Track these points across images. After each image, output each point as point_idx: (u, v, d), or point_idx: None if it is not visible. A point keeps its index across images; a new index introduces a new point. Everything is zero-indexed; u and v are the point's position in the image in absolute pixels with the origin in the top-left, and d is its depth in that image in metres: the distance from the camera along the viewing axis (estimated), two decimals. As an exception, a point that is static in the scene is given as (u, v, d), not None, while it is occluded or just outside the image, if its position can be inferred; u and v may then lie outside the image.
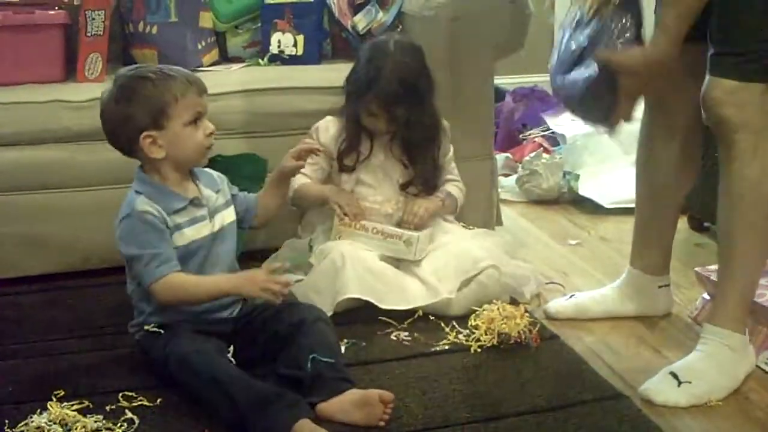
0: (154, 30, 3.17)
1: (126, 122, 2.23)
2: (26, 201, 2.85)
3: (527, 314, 2.49)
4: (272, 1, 3.31)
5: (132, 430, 2.06)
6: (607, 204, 3.58)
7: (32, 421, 2.04)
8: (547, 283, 2.87)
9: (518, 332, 2.42)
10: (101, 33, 3.08)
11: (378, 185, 2.82)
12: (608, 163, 3.75)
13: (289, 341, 2.21)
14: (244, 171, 2.70)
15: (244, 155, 2.82)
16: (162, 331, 2.26)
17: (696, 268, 2.65)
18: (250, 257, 2.77)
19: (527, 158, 3.82)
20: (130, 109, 2.22)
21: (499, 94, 4.07)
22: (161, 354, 2.20)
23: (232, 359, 2.19)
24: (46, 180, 2.86)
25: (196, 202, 2.30)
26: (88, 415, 2.08)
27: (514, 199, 3.78)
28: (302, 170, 2.52)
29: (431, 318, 2.59)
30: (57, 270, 2.90)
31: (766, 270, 2.33)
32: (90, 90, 2.81)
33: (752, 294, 2.31)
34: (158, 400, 2.16)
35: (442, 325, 2.54)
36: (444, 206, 2.86)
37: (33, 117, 2.84)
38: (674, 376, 2.22)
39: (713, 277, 2.50)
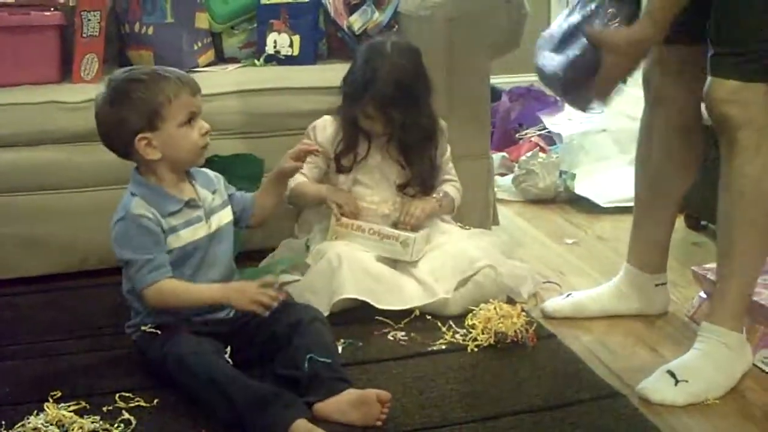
0: (150, 31, 3.17)
1: (120, 125, 2.23)
2: (24, 202, 2.85)
3: (524, 313, 2.49)
4: (268, 2, 3.31)
5: (129, 430, 2.06)
6: (603, 203, 3.59)
7: (29, 422, 2.04)
8: (543, 283, 2.88)
9: (515, 331, 2.42)
10: (97, 34, 3.09)
11: (375, 186, 2.82)
12: (604, 162, 3.75)
13: (286, 341, 2.21)
14: (240, 171, 2.69)
15: (240, 155, 2.82)
16: (159, 332, 2.26)
17: (693, 267, 2.65)
18: (247, 257, 2.77)
19: (524, 158, 3.82)
20: (124, 111, 2.22)
21: (496, 93, 4.07)
22: (158, 354, 2.21)
23: (230, 360, 2.19)
24: (43, 181, 2.86)
25: (192, 204, 2.30)
26: (85, 416, 2.08)
27: (510, 199, 3.78)
28: (299, 169, 2.53)
29: (428, 318, 2.59)
30: (55, 271, 2.90)
31: (764, 269, 2.33)
32: (86, 91, 2.81)
33: (751, 292, 2.31)
34: (155, 401, 2.16)
35: (439, 324, 2.54)
36: (441, 207, 2.86)
37: (29, 118, 2.84)
38: (671, 374, 2.22)
39: (710, 276, 2.51)
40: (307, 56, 3.30)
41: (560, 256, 3.18)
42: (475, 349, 2.42)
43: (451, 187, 2.91)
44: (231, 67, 3.29)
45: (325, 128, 2.82)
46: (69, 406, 2.11)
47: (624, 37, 2.23)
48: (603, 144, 3.80)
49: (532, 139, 4.09)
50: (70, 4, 3.16)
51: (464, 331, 2.49)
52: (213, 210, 2.35)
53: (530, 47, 2.49)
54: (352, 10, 3.28)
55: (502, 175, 3.93)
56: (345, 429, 2.05)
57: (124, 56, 3.25)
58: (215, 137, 2.40)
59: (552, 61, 2.35)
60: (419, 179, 2.82)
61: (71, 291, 2.84)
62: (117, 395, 2.17)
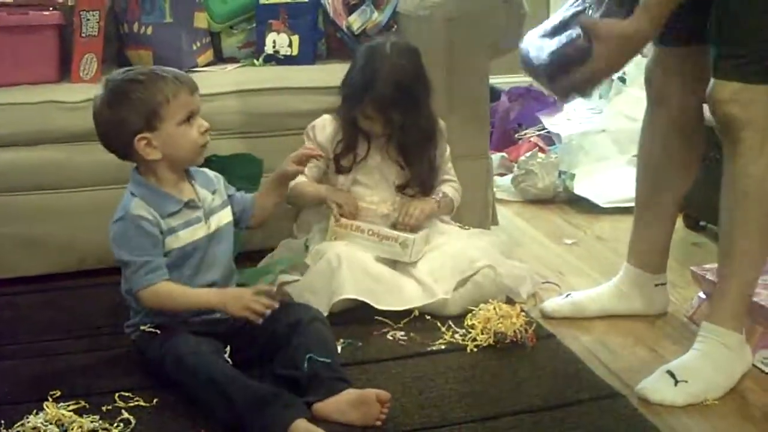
0: (149, 31, 3.16)
1: (120, 126, 2.23)
2: (22, 202, 2.85)
3: (523, 314, 2.49)
4: (267, 2, 3.31)
5: (128, 430, 2.06)
6: (602, 203, 3.59)
7: (28, 422, 2.04)
8: (543, 283, 2.88)
9: (514, 331, 2.42)
10: (96, 34, 3.09)
11: (374, 186, 2.82)
12: (604, 162, 3.75)
13: (285, 341, 2.21)
14: (239, 171, 2.69)
15: (239, 155, 2.81)
16: (158, 332, 2.26)
17: (692, 267, 2.64)
18: (246, 257, 2.77)
19: (523, 158, 3.82)
20: (123, 112, 2.22)
21: (495, 93, 4.07)
22: (158, 354, 2.21)
23: (229, 359, 2.19)
24: (42, 181, 2.86)
25: (191, 204, 2.30)
26: (85, 416, 2.08)
27: (509, 199, 3.78)
28: (299, 168, 2.53)
29: (427, 318, 2.59)
30: (53, 270, 2.90)
31: (765, 269, 2.33)
32: (85, 91, 2.81)
33: (751, 292, 2.30)
34: (155, 401, 2.16)
35: (439, 324, 2.54)
36: (440, 207, 2.86)
37: (28, 118, 2.84)
38: (671, 375, 2.22)
39: (709, 276, 2.51)
40: (306, 56, 3.30)
41: (559, 256, 3.17)
42: (475, 349, 2.42)
43: (449, 188, 2.90)
44: (230, 67, 3.29)
45: (325, 127, 2.82)
46: (68, 406, 2.11)
47: (618, 29, 2.21)
48: (602, 144, 3.80)
49: (532, 139, 4.09)
50: (69, 3, 3.16)
51: (464, 331, 2.49)
52: (212, 210, 2.35)
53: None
54: (351, 10, 3.28)
55: (502, 175, 3.93)
56: (344, 429, 2.04)
57: (123, 56, 3.24)
58: (214, 137, 2.40)
59: (540, 47, 2.33)
60: (418, 180, 2.82)
61: (70, 291, 2.83)
62: (116, 395, 2.17)
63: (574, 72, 2.25)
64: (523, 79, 4.38)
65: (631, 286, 2.63)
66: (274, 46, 3.30)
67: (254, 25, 3.35)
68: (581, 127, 3.89)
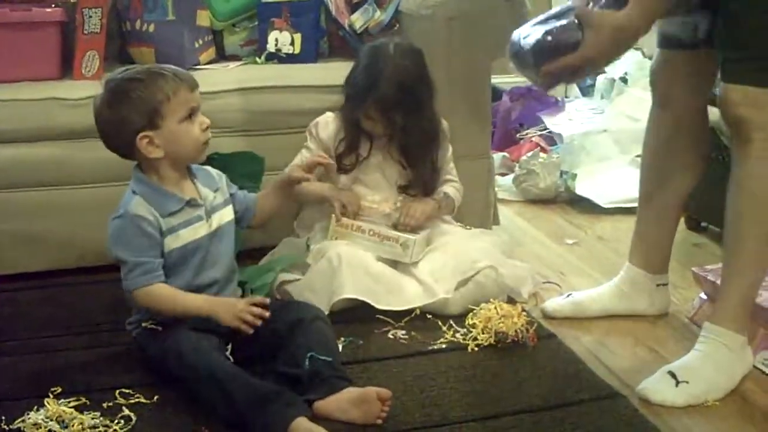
0: (152, 28, 3.16)
1: (121, 125, 2.23)
2: (23, 198, 2.85)
3: (524, 313, 2.49)
4: (269, 0, 3.31)
5: (129, 427, 2.06)
6: (604, 203, 3.58)
7: (29, 418, 2.04)
8: (544, 283, 2.87)
9: (515, 331, 2.42)
10: (98, 31, 3.08)
11: (376, 185, 2.82)
12: (605, 162, 3.75)
13: (287, 340, 2.21)
14: (241, 169, 2.69)
15: (241, 153, 2.81)
16: (160, 329, 2.25)
17: (693, 268, 2.64)
18: (247, 255, 2.77)
19: (524, 158, 3.81)
20: (124, 111, 2.22)
21: (496, 93, 4.07)
22: (159, 351, 2.21)
23: (231, 357, 2.19)
24: (42, 177, 2.86)
25: (193, 203, 2.30)
26: (85, 412, 2.08)
27: (511, 199, 3.78)
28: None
29: (428, 317, 2.58)
30: (54, 267, 2.89)
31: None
32: (86, 88, 2.81)
33: (754, 294, 2.30)
34: (155, 398, 2.16)
35: (440, 323, 2.54)
36: (441, 208, 2.85)
37: (29, 114, 2.84)
38: (672, 375, 2.22)
39: (710, 277, 2.50)
40: (308, 54, 3.29)
41: (561, 256, 3.17)
42: (476, 349, 2.42)
43: (451, 188, 2.90)
44: (232, 64, 3.29)
45: (327, 125, 2.82)
46: (69, 402, 2.11)
47: (610, 19, 2.20)
48: (604, 144, 3.79)
49: (533, 139, 4.09)
50: (72, 0, 3.15)
51: (465, 330, 2.49)
52: (214, 208, 2.34)
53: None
54: (353, 8, 3.28)
55: (503, 175, 3.92)
56: (345, 427, 2.04)
57: (125, 53, 3.24)
58: (216, 135, 2.40)
59: (530, 33, 2.31)
60: (420, 180, 2.82)
61: (69, 287, 2.83)
62: (117, 391, 2.17)
63: (562, 58, 2.24)
64: (524, 79, 4.39)
65: (633, 287, 2.63)
66: (276, 44, 3.29)
67: (256, 23, 3.34)
68: (583, 127, 3.89)
